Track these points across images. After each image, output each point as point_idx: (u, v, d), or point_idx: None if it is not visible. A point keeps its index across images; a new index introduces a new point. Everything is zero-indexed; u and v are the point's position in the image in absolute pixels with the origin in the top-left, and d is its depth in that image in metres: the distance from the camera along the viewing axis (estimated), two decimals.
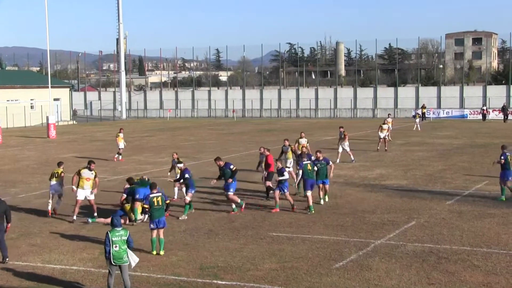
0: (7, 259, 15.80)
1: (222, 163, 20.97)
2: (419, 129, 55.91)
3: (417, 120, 58.50)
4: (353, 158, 32.88)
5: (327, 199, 22.31)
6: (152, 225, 16.14)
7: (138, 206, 19.46)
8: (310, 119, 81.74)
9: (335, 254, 15.89)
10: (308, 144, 29.52)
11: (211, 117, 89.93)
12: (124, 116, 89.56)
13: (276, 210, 20.98)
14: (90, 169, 20.58)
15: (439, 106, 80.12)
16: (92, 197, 20.51)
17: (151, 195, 16.41)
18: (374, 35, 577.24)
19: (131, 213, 19.64)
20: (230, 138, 50.35)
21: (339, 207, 21.62)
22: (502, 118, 69.08)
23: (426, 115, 73.15)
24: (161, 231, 16.19)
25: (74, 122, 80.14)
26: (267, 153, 23.59)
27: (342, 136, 33.29)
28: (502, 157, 22.40)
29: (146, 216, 18.88)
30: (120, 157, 36.49)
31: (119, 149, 36.79)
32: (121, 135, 37.26)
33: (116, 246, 12.83)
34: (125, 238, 12.98)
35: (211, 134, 56.00)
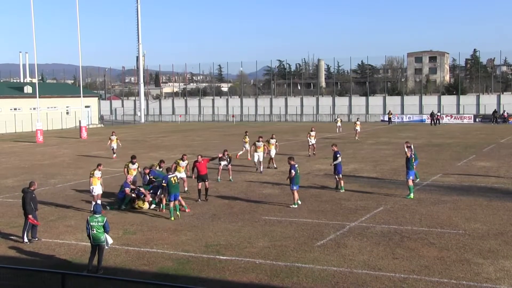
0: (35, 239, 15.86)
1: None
2: (341, 131, 55.16)
3: (339, 124, 57.10)
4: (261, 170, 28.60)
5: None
6: (170, 198, 17.90)
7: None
8: (296, 122, 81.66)
9: (317, 234, 15.89)
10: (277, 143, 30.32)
11: (215, 121, 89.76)
12: (142, 120, 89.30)
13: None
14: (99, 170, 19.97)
15: (402, 112, 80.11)
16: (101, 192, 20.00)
17: (169, 176, 18.14)
18: (349, 54, 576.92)
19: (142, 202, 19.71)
20: (230, 139, 50.29)
21: (320, 195, 21.61)
22: (430, 122, 68.38)
23: (392, 120, 73.18)
24: (176, 202, 18.09)
25: (102, 125, 79.85)
26: (200, 159, 21.06)
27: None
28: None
29: (154, 205, 19.72)
30: (115, 155, 35.20)
31: (113, 149, 35.63)
32: (113, 137, 35.90)
33: (93, 230, 12.86)
34: (102, 224, 12.95)
35: (214, 135, 55.93)
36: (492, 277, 12.19)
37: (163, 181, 18.46)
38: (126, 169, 21.86)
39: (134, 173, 21.63)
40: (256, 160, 28.11)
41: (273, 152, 29.77)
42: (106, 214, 17.69)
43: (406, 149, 21.48)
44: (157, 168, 21.67)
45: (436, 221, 17.20)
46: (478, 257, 13.54)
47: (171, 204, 17.90)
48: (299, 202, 19.81)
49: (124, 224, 17.43)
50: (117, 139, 36.36)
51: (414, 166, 21.68)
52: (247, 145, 32.79)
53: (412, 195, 20.73)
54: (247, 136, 33.30)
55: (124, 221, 17.85)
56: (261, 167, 28.08)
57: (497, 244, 14.57)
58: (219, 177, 25.08)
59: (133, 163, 21.95)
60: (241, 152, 33.49)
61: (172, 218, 17.65)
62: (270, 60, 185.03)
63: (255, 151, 28.15)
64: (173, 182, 18.02)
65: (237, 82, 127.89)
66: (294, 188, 19.64)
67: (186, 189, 22.50)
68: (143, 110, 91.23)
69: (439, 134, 52.55)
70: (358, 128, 48.00)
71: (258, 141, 28.42)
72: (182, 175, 22.49)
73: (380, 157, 34.15)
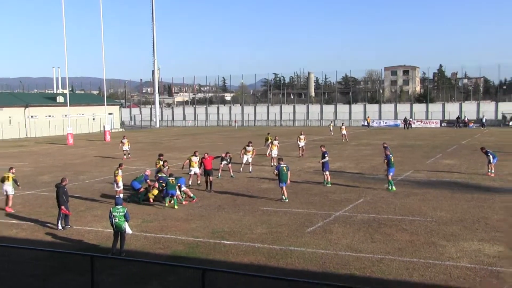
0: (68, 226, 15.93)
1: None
2: (332, 134, 54.80)
3: (331, 128, 57.04)
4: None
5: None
6: (168, 194, 18.62)
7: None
8: (289, 127, 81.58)
9: (307, 222, 16.00)
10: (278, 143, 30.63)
11: (219, 126, 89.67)
12: (157, 125, 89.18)
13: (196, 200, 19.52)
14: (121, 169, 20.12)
15: (380, 118, 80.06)
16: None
17: (168, 178, 18.81)
18: (334, 68, 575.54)
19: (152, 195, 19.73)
20: (233, 141, 50.36)
21: (310, 189, 21.70)
22: (403, 127, 68.78)
23: (370, 124, 73.24)
24: (174, 197, 18.59)
25: (123, 129, 79.75)
26: (207, 156, 21.85)
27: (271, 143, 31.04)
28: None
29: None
30: (130, 155, 35.15)
31: (124, 151, 35.21)
32: (124, 140, 35.45)
33: (116, 219, 12.96)
34: (123, 214, 13.04)
35: (219, 138, 55.96)
36: (454, 256, 12.33)
37: (164, 182, 19.14)
38: (158, 165, 22.29)
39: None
40: (244, 161, 26.86)
41: (275, 153, 29.72)
42: (126, 206, 17.81)
43: (384, 154, 22.00)
44: (163, 167, 21.44)
45: (408, 210, 17.33)
46: (443, 240, 13.68)
47: (167, 199, 18.72)
48: (287, 199, 19.19)
49: (142, 215, 17.54)
50: (128, 141, 36.07)
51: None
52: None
53: (391, 188, 20.86)
54: (269, 136, 34.97)
55: (143, 212, 17.96)
56: (250, 167, 26.96)
57: (458, 229, 14.72)
58: (219, 174, 25.06)
59: (161, 160, 22.70)
60: (268, 151, 32.86)
61: (166, 204, 18.57)
62: (267, 73, 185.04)
63: (245, 154, 26.91)
64: (171, 182, 18.62)
65: (238, 92, 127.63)
66: (281, 185, 19.27)
67: (198, 182, 22.89)
68: (158, 117, 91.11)
69: (411, 136, 52.65)
70: (344, 132, 47.55)
71: (248, 145, 27.24)
72: (196, 170, 22.71)
73: (361, 156, 34.25)
